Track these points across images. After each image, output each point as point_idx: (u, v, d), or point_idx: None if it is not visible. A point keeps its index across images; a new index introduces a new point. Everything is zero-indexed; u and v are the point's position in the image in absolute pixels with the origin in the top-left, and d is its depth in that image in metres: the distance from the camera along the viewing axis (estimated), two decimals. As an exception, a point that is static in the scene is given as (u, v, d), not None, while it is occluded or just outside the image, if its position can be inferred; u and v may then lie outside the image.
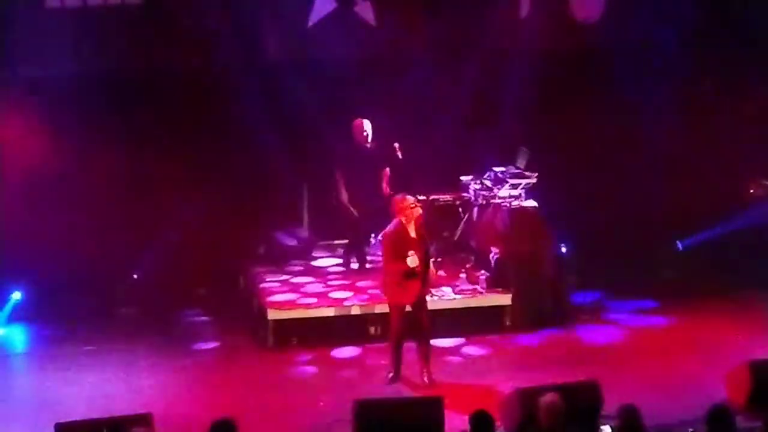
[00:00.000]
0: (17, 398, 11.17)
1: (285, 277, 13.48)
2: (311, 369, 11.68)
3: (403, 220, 10.83)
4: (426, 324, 10.99)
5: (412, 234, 10.85)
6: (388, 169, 13.22)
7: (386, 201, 12.24)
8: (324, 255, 14.24)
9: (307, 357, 11.96)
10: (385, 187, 13.16)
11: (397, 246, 10.81)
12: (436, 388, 10.71)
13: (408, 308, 11.01)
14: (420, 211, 10.90)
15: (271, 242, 14.00)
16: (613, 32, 14.97)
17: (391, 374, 11.10)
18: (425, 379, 10.99)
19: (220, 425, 7.78)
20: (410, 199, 10.91)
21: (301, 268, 13.85)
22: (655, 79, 14.89)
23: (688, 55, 14.85)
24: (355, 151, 13.14)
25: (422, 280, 10.89)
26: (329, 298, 12.69)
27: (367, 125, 13.12)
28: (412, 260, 10.73)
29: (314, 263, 13.96)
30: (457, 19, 14.54)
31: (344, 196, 13.13)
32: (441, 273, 11.49)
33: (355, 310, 12.29)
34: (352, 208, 13.12)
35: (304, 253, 14.22)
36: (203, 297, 13.76)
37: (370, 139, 13.14)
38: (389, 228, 11.00)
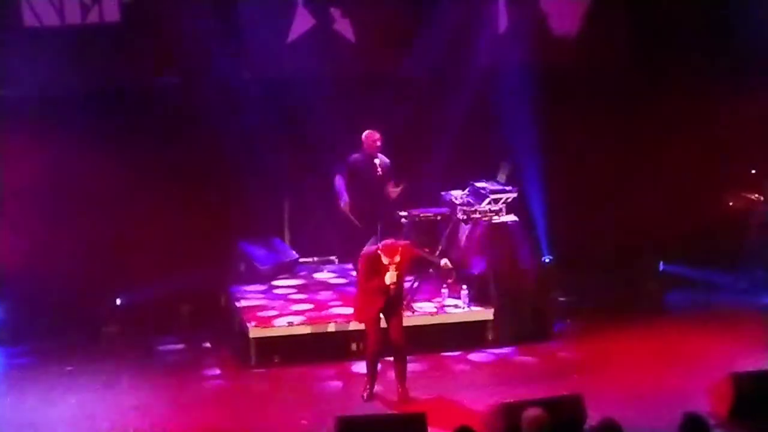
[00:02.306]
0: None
1: (266, 294, 13.45)
2: (293, 387, 11.63)
3: (381, 255, 10.86)
4: (397, 341, 10.98)
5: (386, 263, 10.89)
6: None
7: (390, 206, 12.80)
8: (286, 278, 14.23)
9: (290, 375, 11.93)
10: (392, 192, 13.15)
11: (372, 267, 10.89)
12: (418, 404, 10.69)
13: (383, 324, 11.01)
14: (392, 274, 10.83)
15: (245, 261, 13.96)
16: (591, 47, 15.06)
17: (366, 392, 11.08)
18: (402, 398, 10.97)
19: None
20: (391, 258, 10.83)
21: (284, 285, 13.84)
22: (635, 92, 14.97)
23: (668, 68, 14.95)
24: (365, 162, 13.06)
25: (392, 298, 10.92)
26: (311, 315, 12.66)
27: (377, 136, 13.08)
28: (390, 276, 10.77)
29: (275, 283, 13.93)
30: (436, 34, 14.59)
31: (345, 200, 13.03)
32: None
33: (337, 327, 12.26)
34: (352, 216, 13.02)
35: (287, 270, 14.21)
36: (185, 315, 13.71)
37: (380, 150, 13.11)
38: (370, 249, 11.12)
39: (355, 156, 13.12)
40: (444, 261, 11.43)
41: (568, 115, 14.51)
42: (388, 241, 10.98)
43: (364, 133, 13.10)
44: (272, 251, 14.27)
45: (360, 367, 11.29)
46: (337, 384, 11.61)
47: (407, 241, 11.35)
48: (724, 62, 14.79)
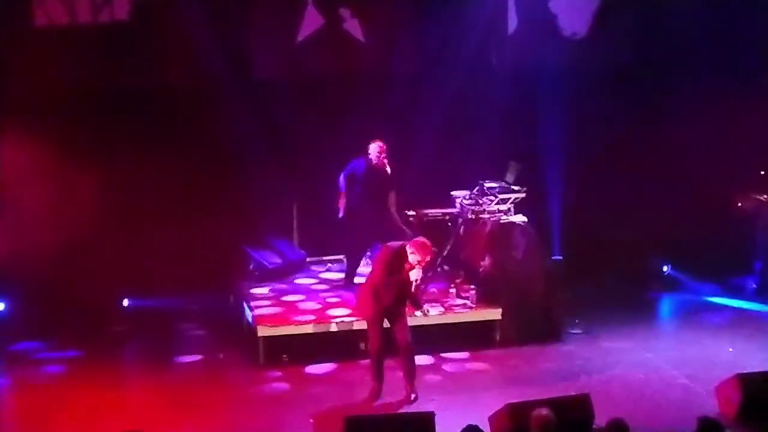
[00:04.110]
0: (3, 418, 11.10)
1: (275, 293, 13.48)
2: (302, 385, 11.65)
3: (410, 252, 10.80)
4: (403, 342, 10.99)
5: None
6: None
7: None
8: (311, 272, 14.30)
9: (298, 373, 11.94)
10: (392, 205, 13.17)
11: (396, 262, 10.83)
12: (426, 404, 10.69)
13: (386, 324, 11.03)
14: (418, 272, 10.81)
15: (254, 261, 13.97)
16: (601, 47, 15.06)
17: (374, 391, 11.09)
18: (410, 397, 10.98)
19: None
20: (425, 257, 10.79)
21: (291, 284, 13.86)
22: (642, 92, 14.96)
23: (677, 68, 14.95)
24: (373, 174, 12.97)
25: (399, 298, 10.92)
26: (319, 314, 12.68)
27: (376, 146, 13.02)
28: (416, 273, 10.73)
29: (299, 281, 13.97)
30: (445, 35, 14.60)
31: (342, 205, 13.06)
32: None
33: (345, 326, 12.28)
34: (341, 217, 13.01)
35: (295, 270, 14.24)
36: (194, 314, 13.76)
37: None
38: (396, 244, 11.00)
39: (358, 160, 13.06)
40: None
41: (578, 114, 14.50)
42: (422, 240, 10.94)
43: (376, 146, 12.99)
44: (281, 250, 14.28)
45: (368, 366, 11.29)
46: (345, 383, 11.62)
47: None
48: (732, 62, 14.77)
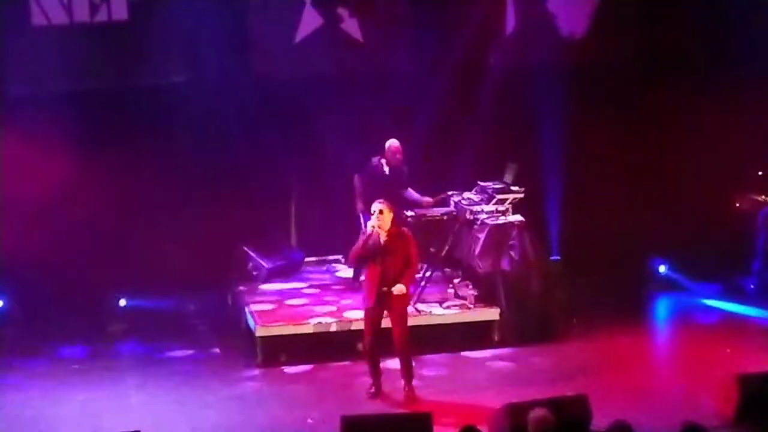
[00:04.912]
0: (2, 419, 11.09)
1: (273, 293, 13.47)
2: (299, 386, 11.65)
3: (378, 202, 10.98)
4: (397, 344, 10.99)
5: (382, 239, 10.93)
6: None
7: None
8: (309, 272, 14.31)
9: (296, 373, 11.94)
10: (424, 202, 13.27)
11: (366, 242, 10.99)
12: (424, 404, 10.69)
13: (388, 322, 11.02)
14: (377, 224, 10.87)
15: (252, 261, 13.97)
16: (599, 47, 15.06)
17: (372, 389, 11.11)
18: (407, 397, 10.98)
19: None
20: (381, 206, 10.94)
21: (289, 284, 13.85)
22: (643, 92, 14.96)
23: (675, 68, 14.95)
24: (391, 173, 13.04)
25: (382, 285, 10.90)
26: (318, 314, 12.67)
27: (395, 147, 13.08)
28: (370, 223, 10.84)
29: (298, 281, 13.96)
30: (444, 35, 14.60)
31: (360, 206, 13.01)
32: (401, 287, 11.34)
33: (344, 326, 12.27)
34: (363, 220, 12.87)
35: (293, 270, 14.23)
36: (192, 314, 13.75)
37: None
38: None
39: (375, 159, 13.09)
40: (399, 287, 11.05)
41: (576, 115, 14.50)
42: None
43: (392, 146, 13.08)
44: (278, 250, 14.27)
45: (366, 366, 11.29)
46: (342, 383, 11.61)
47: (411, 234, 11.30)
48: (731, 61, 14.77)
